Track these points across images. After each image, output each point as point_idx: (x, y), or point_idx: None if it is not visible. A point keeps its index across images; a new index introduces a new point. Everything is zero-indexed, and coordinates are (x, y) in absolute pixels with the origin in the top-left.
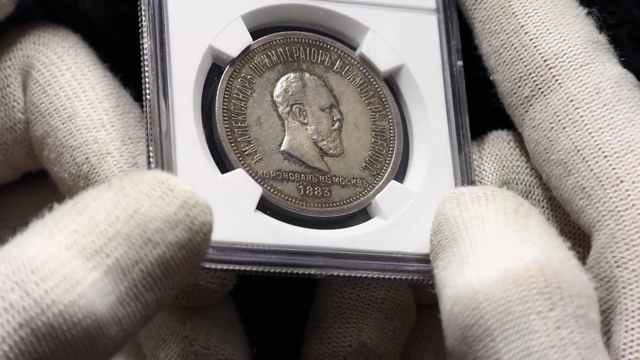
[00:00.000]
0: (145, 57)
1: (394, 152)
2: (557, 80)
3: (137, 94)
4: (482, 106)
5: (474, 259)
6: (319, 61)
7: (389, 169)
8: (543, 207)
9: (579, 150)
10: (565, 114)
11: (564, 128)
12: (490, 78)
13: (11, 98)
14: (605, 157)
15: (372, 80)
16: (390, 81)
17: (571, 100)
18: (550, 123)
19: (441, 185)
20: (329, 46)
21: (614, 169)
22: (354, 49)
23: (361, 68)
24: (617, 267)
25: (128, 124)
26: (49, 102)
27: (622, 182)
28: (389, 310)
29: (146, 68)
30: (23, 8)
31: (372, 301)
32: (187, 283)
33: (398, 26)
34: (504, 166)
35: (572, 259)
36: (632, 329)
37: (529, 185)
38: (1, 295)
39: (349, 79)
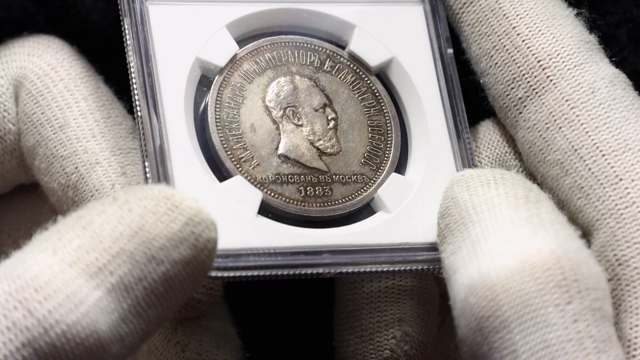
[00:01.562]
0: (133, 74)
1: (393, 145)
2: (551, 80)
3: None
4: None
5: (487, 246)
6: (308, 63)
7: (389, 163)
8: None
9: (576, 150)
10: (561, 114)
11: (560, 128)
12: (480, 81)
13: (2, 108)
14: (603, 155)
15: (363, 76)
16: (382, 76)
17: (567, 100)
18: (546, 123)
19: (442, 173)
20: (317, 47)
21: (612, 167)
22: (343, 47)
23: (351, 65)
24: (619, 265)
25: (119, 135)
26: (41, 112)
27: (621, 180)
28: (419, 296)
29: (134, 85)
30: (23, 8)
31: (402, 290)
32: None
33: (385, 20)
34: (504, 152)
35: (585, 249)
36: (637, 325)
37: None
38: (4, 314)
39: (340, 77)
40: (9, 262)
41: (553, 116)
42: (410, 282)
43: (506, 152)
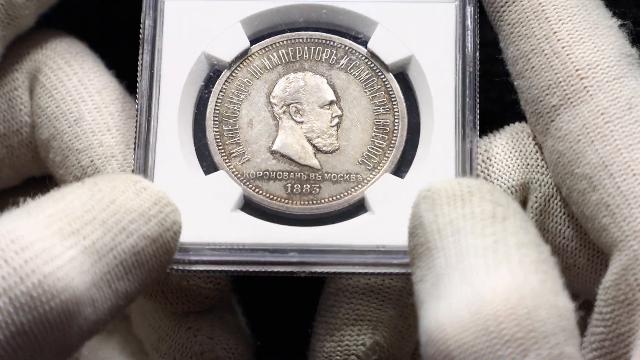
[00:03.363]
0: (140, 64)
1: (395, 146)
2: (588, 91)
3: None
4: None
5: (447, 286)
6: (323, 59)
7: (387, 163)
8: (565, 213)
9: (606, 166)
10: (594, 127)
11: (593, 141)
12: (515, 83)
13: (18, 101)
14: (634, 175)
15: (379, 73)
16: (402, 74)
17: (602, 114)
18: (578, 135)
19: (438, 176)
20: (335, 43)
21: None
22: (364, 44)
23: (368, 63)
24: None
25: (133, 128)
26: (55, 106)
27: None
28: (404, 307)
29: (140, 74)
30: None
31: (388, 296)
32: (161, 283)
33: (411, 18)
34: (527, 164)
35: (548, 280)
36: None
37: (552, 189)
38: None
39: (354, 74)
40: None
41: (586, 128)
42: (398, 288)
43: (533, 159)
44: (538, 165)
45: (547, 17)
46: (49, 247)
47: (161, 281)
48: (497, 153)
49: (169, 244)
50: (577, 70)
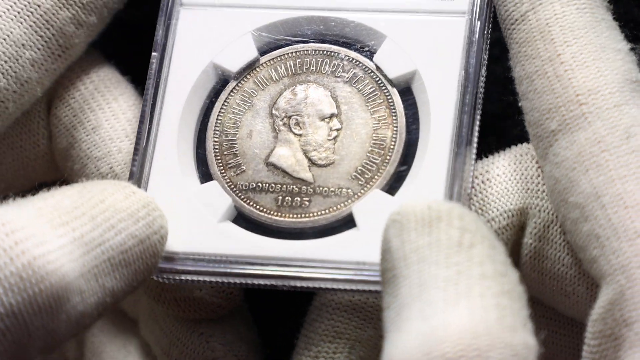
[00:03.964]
0: (149, 71)
1: (390, 162)
2: (587, 118)
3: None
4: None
5: (407, 317)
6: (329, 71)
7: (379, 179)
8: (564, 240)
9: (599, 197)
10: (590, 155)
11: (587, 170)
12: (519, 104)
13: (37, 116)
14: (626, 207)
15: (383, 88)
16: (407, 89)
17: (599, 142)
18: (574, 162)
19: (427, 196)
20: (342, 55)
21: (633, 221)
22: (372, 56)
23: (374, 76)
24: (625, 326)
25: None
26: (73, 115)
27: (639, 236)
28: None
29: (147, 81)
30: None
31: (369, 315)
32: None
33: (420, 32)
34: (528, 188)
35: (508, 316)
36: None
37: (552, 215)
38: None
39: (359, 88)
40: None
41: (582, 156)
42: (380, 309)
43: (534, 184)
44: (539, 190)
45: (552, 38)
46: (39, 232)
47: (172, 289)
48: (497, 175)
49: (156, 247)
50: (577, 95)
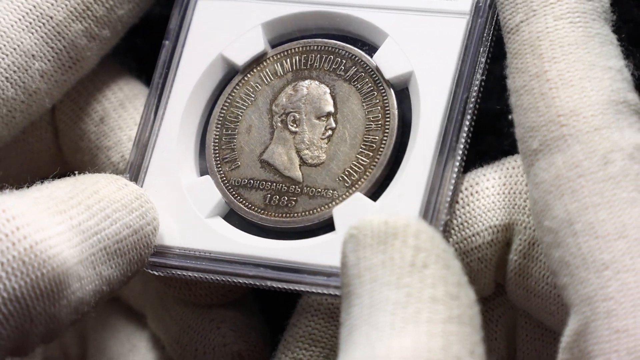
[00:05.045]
0: (159, 60)
1: (377, 165)
2: (566, 140)
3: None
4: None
5: (355, 339)
6: (331, 69)
7: (365, 182)
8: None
9: (571, 224)
10: (566, 180)
11: (562, 195)
12: (509, 117)
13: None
14: (597, 237)
15: (380, 87)
16: (404, 90)
17: (576, 167)
18: (550, 186)
19: (405, 203)
20: (346, 53)
21: (602, 252)
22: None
23: (373, 75)
24: (589, 358)
25: None
26: (79, 108)
27: (606, 268)
28: None
29: (156, 71)
30: None
31: None
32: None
33: (420, 31)
34: (515, 204)
35: (454, 344)
36: None
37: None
38: None
39: (357, 86)
40: None
41: (559, 180)
42: None
43: (521, 199)
44: (525, 206)
45: (541, 53)
46: (39, 219)
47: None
48: (486, 187)
49: (149, 237)
50: (559, 115)
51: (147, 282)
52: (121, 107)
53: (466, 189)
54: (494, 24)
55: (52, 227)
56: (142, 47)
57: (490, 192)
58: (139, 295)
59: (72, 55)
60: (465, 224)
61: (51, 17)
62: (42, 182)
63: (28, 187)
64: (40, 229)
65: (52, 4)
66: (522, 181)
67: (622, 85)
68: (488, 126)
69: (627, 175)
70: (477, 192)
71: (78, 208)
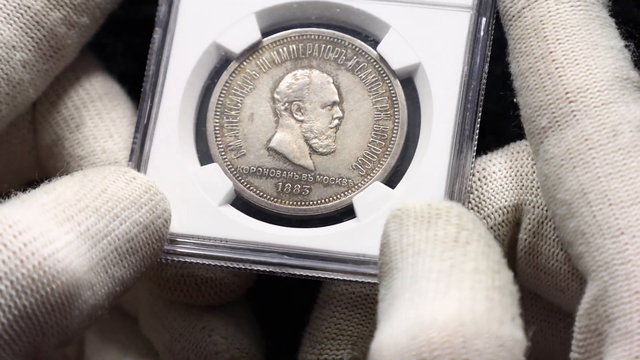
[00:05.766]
0: (150, 50)
1: (390, 154)
2: (575, 115)
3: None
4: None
5: (396, 307)
6: (331, 58)
7: (380, 170)
8: (557, 236)
9: (585, 194)
10: (577, 153)
11: (574, 167)
12: (515, 100)
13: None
14: (610, 205)
15: (385, 78)
16: (409, 80)
17: (586, 140)
18: (562, 160)
19: (427, 190)
20: (346, 43)
21: (616, 218)
22: (375, 45)
23: (377, 66)
24: (607, 322)
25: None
26: (56, 112)
27: (622, 234)
28: None
29: (148, 59)
30: None
31: (371, 310)
32: (157, 271)
33: (424, 24)
34: (523, 185)
35: (497, 309)
36: None
37: (546, 211)
38: None
39: (361, 76)
40: None
41: (570, 153)
42: None
43: (529, 180)
44: (533, 186)
45: (545, 35)
46: (46, 231)
47: (192, 274)
48: (493, 172)
49: (160, 231)
50: (566, 93)
51: (137, 289)
52: (98, 116)
53: (473, 174)
54: (494, 15)
55: (60, 238)
56: (142, 47)
57: (497, 176)
58: (131, 301)
59: (52, 44)
60: (476, 207)
61: (29, 7)
62: (49, 181)
63: (22, 190)
64: (48, 242)
65: None
66: (527, 164)
67: (624, 63)
68: (488, 125)
69: (636, 145)
70: (484, 177)
71: (86, 211)
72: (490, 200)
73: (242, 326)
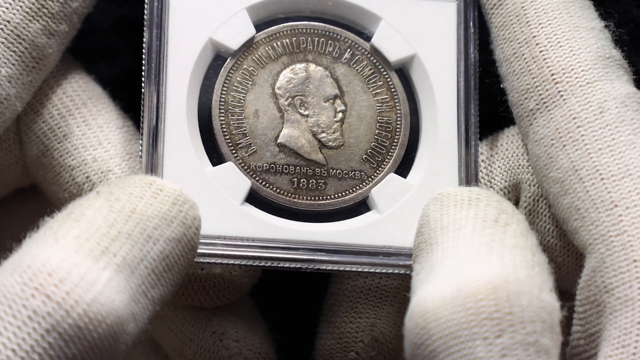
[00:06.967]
0: (144, 50)
1: (398, 145)
2: (562, 95)
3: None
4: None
5: (438, 271)
6: (326, 52)
7: (390, 162)
8: (552, 213)
9: (576, 170)
10: (566, 132)
11: (564, 146)
12: (501, 86)
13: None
14: (602, 179)
15: (382, 70)
16: (404, 71)
17: (574, 118)
18: (552, 139)
19: (443, 179)
20: (339, 36)
21: (609, 192)
22: (368, 39)
23: (372, 58)
24: (606, 292)
25: (124, 139)
26: (42, 122)
27: (616, 206)
28: (402, 303)
29: (145, 60)
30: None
31: (385, 294)
32: (187, 280)
33: (414, 16)
34: (519, 165)
35: (537, 277)
36: (610, 356)
37: (540, 189)
38: (23, 304)
39: (358, 69)
40: (14, 258)
41: (559, 133)
42: (395, 287)
43: (524, 159)
44: (528, 165)
45: (527, 21)
46: (86, 272)
47: (199, 276)
48: (490, 156)
49: (193, 240)
50: (552, 74)
51: None
52: (85, 124)
53: (482, 160)
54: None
55: (100, 278)
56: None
57: (494, 159)
58: None
59: (34, 55)
60: None
61: (8, 21)
62: (75, 201)
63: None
64: (89, 287)
65: (8, 8)
66: (521, 145)
67: (605, 42)
68: (484, 125)
69: (623, 120)
70: (482, 160)
71: (119, 239)
72: (490, 183)
73: (250, 325)
